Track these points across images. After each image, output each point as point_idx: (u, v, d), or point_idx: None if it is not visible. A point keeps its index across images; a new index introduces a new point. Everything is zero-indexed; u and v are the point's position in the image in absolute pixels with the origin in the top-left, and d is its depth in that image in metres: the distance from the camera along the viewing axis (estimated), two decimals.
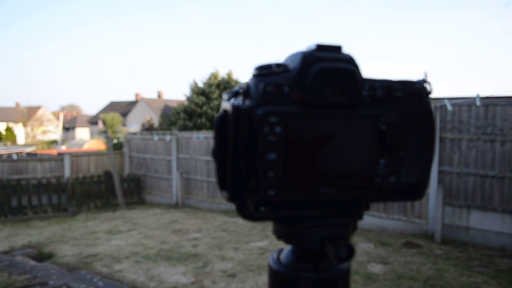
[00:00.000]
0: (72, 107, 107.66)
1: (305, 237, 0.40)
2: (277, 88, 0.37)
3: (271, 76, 0.38)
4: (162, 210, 10.77)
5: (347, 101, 0.38)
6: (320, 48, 0.38)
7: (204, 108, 18.62)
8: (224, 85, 19.74)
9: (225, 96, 0.39)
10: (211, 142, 10.68)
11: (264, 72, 0.38)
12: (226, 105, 0.38)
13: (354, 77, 0.38)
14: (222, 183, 0.38)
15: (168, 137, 11.75)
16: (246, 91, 0.38)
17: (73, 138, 52.81)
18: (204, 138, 10.82)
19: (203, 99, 18.98)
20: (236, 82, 20.26)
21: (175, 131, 12.21)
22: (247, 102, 0.37)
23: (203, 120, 18.39)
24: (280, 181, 0.37)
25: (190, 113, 19.19)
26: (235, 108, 0.37)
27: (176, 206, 11.45)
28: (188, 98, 20.24)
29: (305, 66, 0.37)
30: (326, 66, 0.38)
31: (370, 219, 7.71)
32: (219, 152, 0.38)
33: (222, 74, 20.50)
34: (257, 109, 0.36)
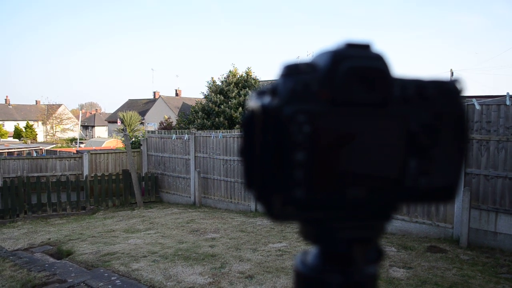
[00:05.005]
0: (91, 105, 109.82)
1: (333, 239, 0.40)
2: (305, 87, 0.37)
3: (300, 75, 0.38)
4: (179, 209, 10.88)
5: (377, 100, 0.38)
6: (350, 46, 0.38)
7: (222, 106, 18.71)
8: (243, 83, 19.77)
9: (252, 95, 0.39)
10: (229, 141, 10.72)
11: (292, 71, 0.38)
12: (253, 104, 0.38)
13: (384, 76, 0.38)
14: (250, 183, 0.38)
15: (186, 136, 11.86)
16: (274, 90, 0.38)
17: (91, 136, 53.80)
18: (222, 137, 10.88)
19: (221, 97, 19.07)
20: (255, 80, 20.26)
21: (193, 130, 12.30)
22: (275, 101, 0.37)
23: (221, 119, 18.48)
24: (307, 181, 0.37)
25: (208, 111, 19.31)
26: (263, 107, 0.37)
27: (193, 205, 11.55)
28: (206, 97, 20.37)
29: (334, 65, 0.37)
30: (356, 65, 0.37)
31: (392, 222, 7.60)
32: (247, 151, 0.38)
33: (241, 72, 20.55)
34: (285, 108, 0.37)
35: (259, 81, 20.77)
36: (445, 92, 0.40)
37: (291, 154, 0.36)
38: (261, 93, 0.39)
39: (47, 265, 6.16)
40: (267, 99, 0.38)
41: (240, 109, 18.31)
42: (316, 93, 0.37)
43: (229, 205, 10.86)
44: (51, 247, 7.37)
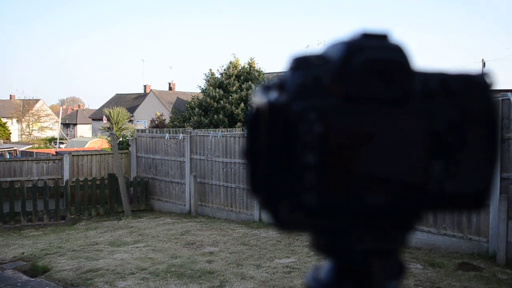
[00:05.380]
0: (73, 100, 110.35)
1: (348, 251, 0.41)
2: (316, 81, 0.38)
3: (310, 68, 0.39)
4: (173, 219, 10.91)
5: (396, 95, 0.39)
6: (366, 36, 0.39)
7: (222, 102, 18.76)
8: (245, 76, 19.82)
9: (257, 90, 0.40)
10: (230, 142, 10.74)
11: (301, 64, 0.39)
12: (258, 100, 0.39)
13: (404, 69, 0.39)
14: (255, 187, 0.39)
15: (180, 135, 11.89)
16: (281, 85, 0.39)
17: (73, 135, 54.02)
18: (221, 137, 10.90)
19: (221, 92, 19.12)
20: (259, 72, 20.31)
21: (189, 129, 12.34)
22: (283, 97, 0.38)
23: (221, 116, 18.52)
24: (319, 185, 0.38)
25: (206, 108, 19.36)
26: (269, 103, 0.38)
27: (189, 214, 11.57)
28: (203, 91, 20.44)
29: (349, 57, 0.38)
30: (373, 56, 0.38)
31: (417, 235, 7.60)
32: (251, 153, 0.39)
33: (243, 63, 20.59)
34: (294, 105, 0.37)
35: (263, 74, 20.83)
36: (473, 87, 0.41)
37: (301, 155, 0.37)
38: (267, 88, 0.40)
39: (19, 284, 6.19)
40: (274, 95, 0.38)
41: (242, 105, 18.37)
42: (329, 88, 0.38)
43: (229, 214, 10.88)
44: (25, 263, 7.40)
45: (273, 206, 0.39)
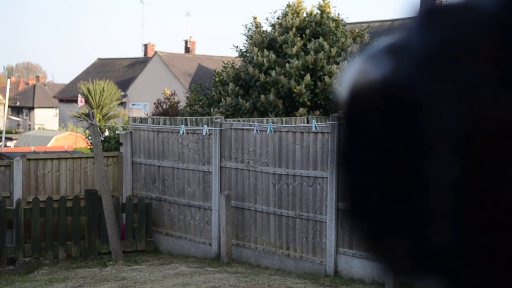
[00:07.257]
0: (28, 68, 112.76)
1: None
2: (459, 48, 0.39)
3: (448, 25, 0.39)
4: (190, 268, 10.94)
5: None
6: None
7: (274, 73, 18.63)
8: (313, 29, 19.57)
9: (358, 56, 0.41)
10: (287, 140, 10.64)
11: (434, 18, 0.40)
12: (362, 74, 0.40)
13: None
14: (358, 212, 0.40)
15: (205, 129, 11.93)
16: (398, 49, 0.40)
17: (28, 126, 55.20)
18: (273, 132, 10.83)
19: (272, 56, 18.98)
20: (337, 22, 20.01)
21: (219, 117, 12.41)
22: (403, 70, 0.39)
23: (272, 96, 18.42)
24: (460, 214, 0.38)
25: (247, 83, 19.34)
26: (380, 81, 0.39)
27: (217, 260, 11.59)
28: (242, 55, 20.39)
29: None
30: None
31: None
32: (355, 160, 0.40)
33: (309, 7, 20.37)
34: (422, 85, 0.38)
35: (344, 25, 20.47)
36: None
37: (433, 165, 0.38)
38: (374, 55, 0.40)
39: None
40: (386, 66, 0.39)
41: (308, 77, 18.14)
42: (479, 59, 0.39)
43: (284, 261, 10.82)
44: None
45: (382, 242, 0.39)
